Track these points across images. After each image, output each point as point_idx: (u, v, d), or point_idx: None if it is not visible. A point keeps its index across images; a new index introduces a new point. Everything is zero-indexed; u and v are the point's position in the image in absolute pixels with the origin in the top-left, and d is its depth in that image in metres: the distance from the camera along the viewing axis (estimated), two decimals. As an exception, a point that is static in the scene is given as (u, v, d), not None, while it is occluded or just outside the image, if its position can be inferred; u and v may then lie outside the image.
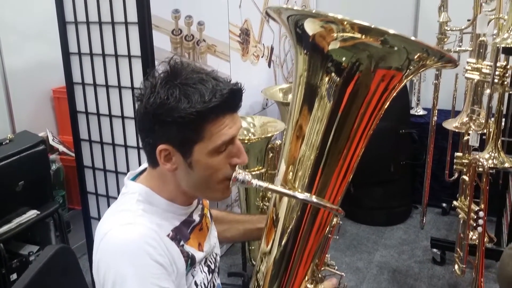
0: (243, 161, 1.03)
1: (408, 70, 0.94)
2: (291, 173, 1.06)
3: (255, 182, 1.01)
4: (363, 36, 0.90)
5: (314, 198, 1.01)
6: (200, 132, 0.95)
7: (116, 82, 1.95)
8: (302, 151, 1.03)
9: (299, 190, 1.04)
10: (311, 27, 0.95)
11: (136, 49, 1.88)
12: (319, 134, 1.00)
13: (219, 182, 1.02)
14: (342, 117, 0.98)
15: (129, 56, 1.89)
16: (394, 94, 0.99)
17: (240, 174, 1.01)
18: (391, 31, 0.86)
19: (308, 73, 0.99)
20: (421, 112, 3.36)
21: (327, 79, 0.96)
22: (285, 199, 1.10)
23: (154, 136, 0.98)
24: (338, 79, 0.95)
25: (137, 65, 1.90)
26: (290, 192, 1.02)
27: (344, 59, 0.93)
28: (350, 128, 0.99)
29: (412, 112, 3.35)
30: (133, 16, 1.82)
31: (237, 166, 1.03)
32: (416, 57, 0.91)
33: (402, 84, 0.97)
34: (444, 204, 3.22)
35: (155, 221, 1.00)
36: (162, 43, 2.03)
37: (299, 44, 0.99)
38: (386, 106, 1.00)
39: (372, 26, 0.86)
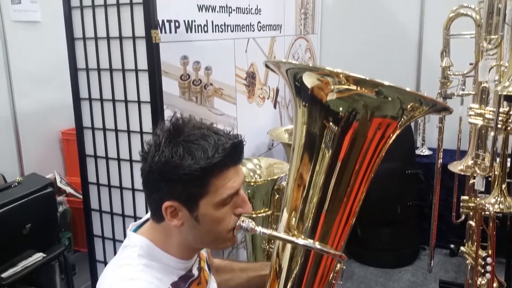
0: (248, 211, 1.05)
1: (402, 119, 0.97)
2: (293, 219, 1.08)
3: (259, 229, 1.04)
4: (358, 88, 0.93)
5: (317, 245, 1.03)
6: (205, 187, 0.98)
7: (126, 127, 1.99)
8: (304, 198, 1.06)
9: (302, 237, 1.05)
10: (309, 80, 0.99)
11: (145, 95, 1.92)
12: (320, 181, 1.03)
13: (225, 232, 1.03)
14: (342, 165, 1.01)
15: (139, 102, 1.94)
16: (391, 141, 1.02)
17: (244, 222, 1.03)
18: (385, 83, 0.90)
19: (307, 124, 1.03)
20: (426, 152, 3.37)
21: (325, 128, 1.00)
22: (288, 248, 1.11)
23: (160, 193, 1.00)
24: (336, 128, 0.98)
25: (146, 110, 1.94)
26: (293, 239, 1.04)
27: (341, 109, 0.97)
28: (350, 175, 1.02)
29: (417, 152, 3.37)
30: (143, 63, 1.87)
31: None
32: (409, 106, 0.95)
33: (399, 131, 1.00)
34: (452, 245, 3.18)
35: (156, 276, 1.01)
36: (170, 88, 2.08)
37: (298, 96, 1.03)
38: (384, 152, 1.02)
39: (367, 78, 0.90)
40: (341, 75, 0.92)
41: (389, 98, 0.94)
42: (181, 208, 1.00)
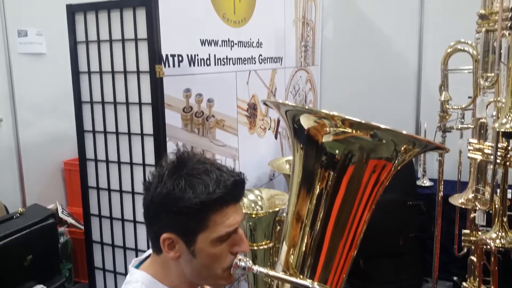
0: (245, 250, 1.06)
1: (397, 159, 0.99)
2: (292, 257, 1.09)
3: (256, 268, 1.04)
4: (354, 130, 0.96)
5: (316, 285, 1.03)
6: (204, 221, 0.99)
7: (128, 159, 2.00)
8: (302, 237, 1.07)
9: (301, 276, 1.05)
10: (306, 122, 1.02)
11: (148, 128, 1.94)
12: (318, 220, 1.05)
13: (221, 270, 1.04)
14: (340, 205, 1.03)
15: (142, 134, 1.96)
16: (387, 182, 1.03)
17: (241, 261, 1.04)
18: (381, 126, 0.92)
19: (304, 164, 1.05)
20: (427, 183, 3.37)
21: (322, 169, 1.02)
22: (287, 285, 1.11)
23: (160, 225, 1.01)
24: (332, 169, 1.01)
25: (149, 143, 1.96)
26: (292, 279, 1.05)
27: (337, 151, 0.99)
28: (348, 214, 1.04)
29: (418, 183, 3.37)
30: (147, 97, 1.91)
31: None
32: (404, 148, 0.97)
33: (395, 170, 1.02)
34: (455, 278, 3.14)
35: None
36: (173, 120, 2.11)
37: (296, 138, 1.06)
38: (381, 191, 1.04)
39: (362, 121, 0.93)
40: (336, 118, 0.95)
41: (384, 141, 0.96)
42: (178, 241, 1.01)
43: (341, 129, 0.97)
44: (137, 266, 1.11)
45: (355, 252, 1.09)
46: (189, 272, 1.05)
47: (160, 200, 0.98)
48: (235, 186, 1.01)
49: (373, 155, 0.98)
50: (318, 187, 1.03)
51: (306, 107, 1.10)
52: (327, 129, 0.98)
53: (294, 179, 1.10)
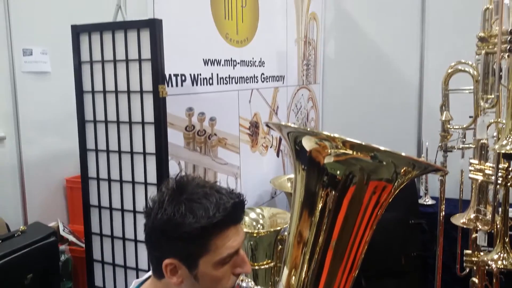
0: (247, 271, 1.06)
1: (397, 181, 1.00)
2: (293, 278, 1.09)
3: None
4: (354, 152, 0.98)
5: None
6: (206, 246, 0.99)
7: (130, 178, 2.01)
8: (303, 257, 1.09)
9: (302, 297, 1.06)
10: (307, 143, 1.03)
11: (151, 146, 1.95)
12: (319, 241, 1.06)
13: None
14: (341, 226, 1.04)
15: (144, 153, 1.97)
16: (387, 203, 1.04)
17: (244, 281, 1.05)
18: (381, 148, 0.94)
19: (306, 185, 1.06)
20: (429, 201, 3.36)
21: (323, 190, 1.03)
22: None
23: (161, 251, 1.02)
24: (334, 190, 1.02)
25: (151, 161, 1.97)
26: None
27: (338, 172, 1.00)
28: (349, 235, 1.05)
29: (420, 201, 3.36)
30: (150, 116, 1.92)
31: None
32: (403, 170, 0.99)
33: (396, 191, 1.03)
34: (458, 297, 3.12)
35: None
36: (175, 138, 2.12)
37: (298, 160, 1.07)
38: (383, 211, 1.05)
39: (363, 143, 0.94)
40: (337, 140, 0.96)
41: (384, 162, 0.97)
42: (180, 266, 1.01)
43: (342, 151, 0.98)
44: (138, 287, 1.11)
45: (356, 272, 1.10)
46: None
47: (161, 226, 0.99)
48: (235, 208, 1.02)
49: (374, 176, 0.99)
50: (319, 207, 1.04)
51: (308, 129, 1.12)
52: (328, 150, 0.99)
53: (296, 199, 1.11)
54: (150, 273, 1.13)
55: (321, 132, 1.00)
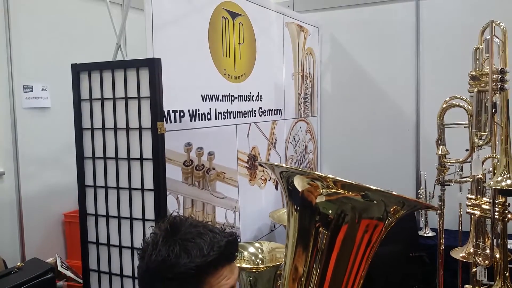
0: None
1: (388, 219, 1.01)
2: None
3: None
4: (346, 191, 0.99)
5: None
6: (200, 285, 1.00)
7: (128, 214, 2.01)
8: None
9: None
10: (300, 183, 1.05)
11: (149, 182, 1.97)
12: (314, 281, 1.07)
13: None
14: (335, 264, 1.05)
15: (142, 189, 1.98)
16: (379, 241, 1.05)
17: None
18: (371, 187, 0.95)
19: (299, 224, 1.08)
20: (430, 233, 3.34)
21: (316, 228, 1.04)
22: None
23: None
24: (326, 229, 1.03)
25: (149, 198, 1.97)
26: None
27: (330, 211, 1.01)
28: (343, 273, 1.06)
29: (420, 233, 3.34)
30: (148, 153, 1.94)
31: None
32: (393, 208, 1.00)
33: (385, 231, 1.04)
34: (461, 332, 3.07)
35: None
36: (174, 174, 2.14)
37: (290, 200, 1.09)
38: (375, 250, 1.06)
39: (353, 183, 0.96)
40: (329, 179, 0.98)
41: (375, 201, 0.99)
42: None
43: (334, 190, 1.00)
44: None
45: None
46: None
47: (155, 267, 0.99)
48: (228, 246, 1.03)
49: (365, 215, 1.01)
50: (313, 246, 1.05)
51: (300, 169, 1.15)
52: (320, 190, 1.01)
53: (289, 240, 1.12)
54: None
55: (313, 172, 1.02)
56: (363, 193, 0.98)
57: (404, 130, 3.63)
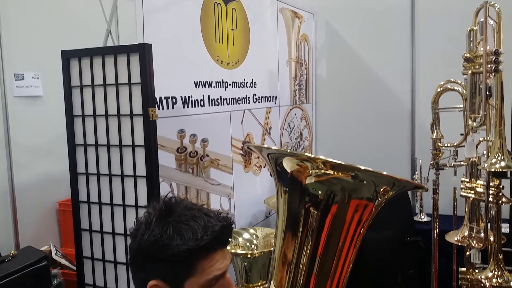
0: None
1: (378, 199, 1.00)
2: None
3: None
4: (335, 172, 0.98)
5: None
6: (192, 268, 0.99)
7: (121, 201, 2.00)
8: (289, 278, 1.09)
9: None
10: (288, 164, 1.03)
11: (142, 169, 1.95)
12: (304, 262, 1.07)
13: None
14: (324, 245, 1.04)
15: (135, 176, 1.96)
16: (371, 219, 1.04)
17: None
18: (361, 167, 0.94)
19: (289, 209, 1.07)
20: (425, 218, 3.35)
21: (306, 210, 1.03)
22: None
23: (146, 272, 1.01)
24: (316, 210, 1.03)
25: (142, 184, 1.96)
26: None
27: (320, 192, 1.00)
28: (333, 254, 1.06)
29: (416, 218, 3.35)
30: (140, 139, 1.92)
31: None
32: (383, 188, 1.00)
33: (378, 209, 1.03)
34: (455, 316, 3.09)
35: None
36: (167, 161, 2.12)
37: (279, 181, 1.07)
38: (364, 230, 1.05)
39: (342, 163, 0.95)
40: (318, 160, 0.97)
41: (365, 181, 0.98)
42: None
43: (323, 171, 0.99)
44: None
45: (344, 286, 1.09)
46: None
47: (147, 247, 0.98)
48: (222, 231, 1.02)
49: (355, 195, 1.00)
50: (302, 228, 1.04)
51: (288, 150, 1.13)
52: (310, 171, 1.00)
53: (279, 221, 1.12)
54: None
55: (302, 153, 1.01)
56: (353, 173, 0.97)
57: (400, 117, 3.62)
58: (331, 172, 0.98)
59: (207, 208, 1.07)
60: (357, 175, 0.97)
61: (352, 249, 1.04)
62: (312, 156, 0.99)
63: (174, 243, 0.96)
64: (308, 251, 1.04)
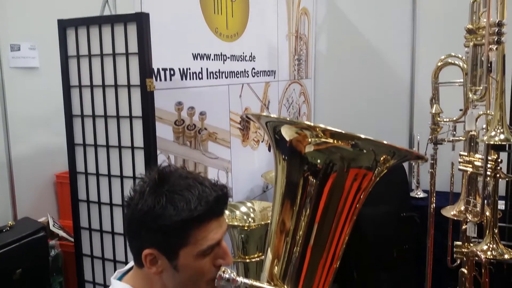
0: (228, 263, 1.05)
1: (378, 169, 0.99)
2: (276, 268, 1.09)
3: (240, 279, 1.03)
4: (335, 141, 0.97)
5: None
6: (186, 238, 0.98)
7: (119, 172, 2.00)
8: (286, 247, 1.08)
9: (285, 287, 1.05)
10: (287, 132, 1.02)
11: (139, 141, 1.94)
12: (301, 231, 1.06)
13: (205, 283, 1.03)
14: (322, 215, 1.04)
15: (132, 148, 1.96)
16: (370, 188, 1.04)
17: (225, 272, 1.03)
18: (361, 136, 0.93)
19: (287, 174, 1.06)
20: (421, 194, 3.37)
21: (304, 179, 1.02)
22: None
23: (141, 240, 1.01)
24: (314, 178, 1.01)
25: (140, 156, 1.96)
26: None
27: (319, 161, 0.99)
28: (330, 224, 1.05)
29: (412, 194, 3.37)
30: (137, 110, 1.91)
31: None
32: (383, 157, 0.99)
33: (377, 178, 1.03)
34: (449, 289, 3.13)
35: None
36: (164, 133, 2.11)
37: (278, 149, 1.06)
38: (363, 200, 1.04)
39: (343, 132, 0.94)
40: (318, 129, 0.96)
41: (365, 150, 0.97)
42: (160, 257, 1.00)
43: (323, 139, 0.97)
44: (120, 278, 1.10)
45: (338, 263, 1.09)
46: (172, 286, 1.04)
47: (141, 217, 0.98)
48: (217, 202, 1.01)
49: (354, 164, 0.99)
50: (301, 196, 1.04)
51: (288, 119, 1.12)
52: (309, 139, 0.99)
53: (277, 189, 1.11)
54: (132, 263, 1.12)
55: (301, 121, 1.00)
56: (353, 142, 0.96)
57: (399, 93, 3.60)
58: (331, 140, 0.97)
59: (203, 177, 1.05)
60: (357, 144, 0.96)
61: (350, 218, 1.04)
62: (312, 124, 0.98)
63: (167, 213, 0.95)
64: (306, 219, 1.03)
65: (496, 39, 1.50)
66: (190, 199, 0.96)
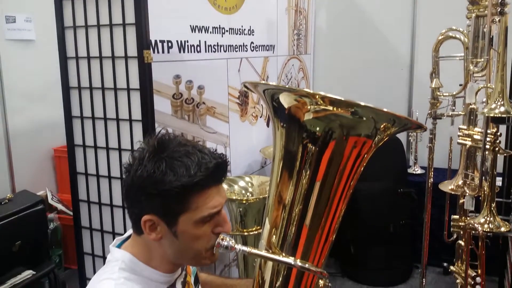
0: (227, 230, 1.05)
1: (377, 137, 0.99)
2: (274, 237, 1.09)
3: (239, 247, 1.04)
4: (334, 108, 0.96)
5: (298, 262, 1.04)
6: (185, 204, 0.98)
7: (117, 145, 1.99)
8: (284, 216, 1.08)
9: (283, 254, 1.06)
10: (286, 100, 1.01)
11: (137, 113, 1.93)
12: (299, 200, 1.05)
13: (204, 250, 1.03)
14: (320, 183, 1.03)
15: (130, 120, 1.95)
16: (368, 158, 1.03)
17: (224, 240, 1.04)
18: (360, 103, 0.92)
19: (285, 142, 1.05)
20: (419, 171, 3.38)
21: (303, 147, 1.02)
22: (271, 262, 1.12)
23: (140, 207, 1.01)
24: (313, 146, 1.00)
25: (138, 128, 1.95)
26: (274, 257, 1.06)
27: (318, 128, 0.98)
28: (328, 193, 1.04)
29: (409, 171, 3.38)
30: (135, 82, 1.89)
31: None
32: (383, 125, 0.97)
33: (375, 148, 1.02)
34: (445, 264, 3.16)
35: None
36: (162, 106, 2.09)
37: (276, 117, 1.05)
38: (361, 169, 1.04)
39: (342, 99, 0.92)
40: (317, 96, 0.95)
41: (364, 118, 0.96)
42: (160, 223, 1.00)
43: (322, 107, 0.96)
44: (119, 246, 1.11)
45: (334, 236, 1.10)
46: (171, 252, 1.04)
47: (140, 183, 0.97)
48: (217, 168, 1.00)
49: (353, 132, 0.98)
50: (299, 163, 1.03)
51: (286, 86, 1.10)
52: (308, 107, 0.97)
53: (275, 157, 1.10)
54: (130, 231, 1.12)
55: (300, 89, 0.98)
56: (353, 109, 0.95)
57: (399, 69, 3.58)
58: (330, 108, 0.96)
59: (202, 145, 1.05)
60: (357, 112, 0.95)
61: (348, 188, 1.03)
62: (311, 91, 0.96)
63: (167, 178, 0.95)
64: (304, 187, 1.03)
65: (499, 10, 1.48)
66: (189, 165, 0.96)
